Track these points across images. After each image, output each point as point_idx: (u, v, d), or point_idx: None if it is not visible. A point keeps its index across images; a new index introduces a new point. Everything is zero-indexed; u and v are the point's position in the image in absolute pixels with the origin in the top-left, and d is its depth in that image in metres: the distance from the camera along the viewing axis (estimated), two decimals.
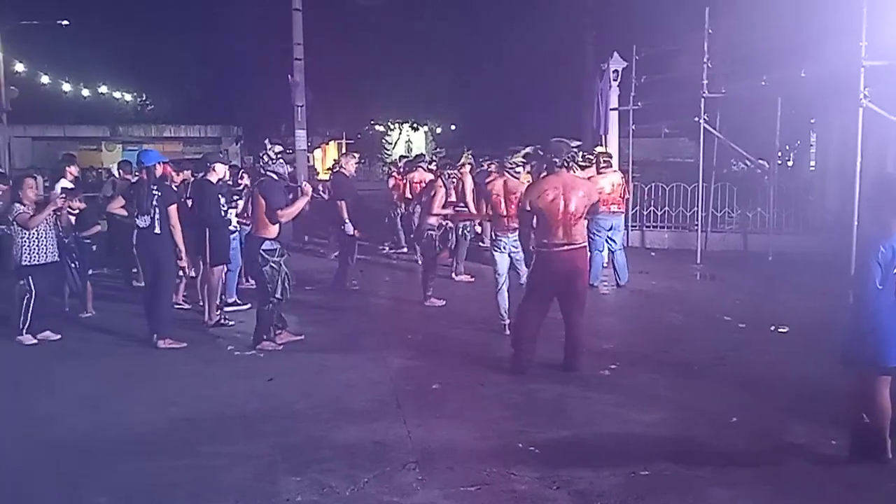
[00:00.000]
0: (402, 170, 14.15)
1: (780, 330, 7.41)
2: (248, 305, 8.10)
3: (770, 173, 13.08)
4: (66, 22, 27.46)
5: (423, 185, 11.23)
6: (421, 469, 4.29)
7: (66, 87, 38.20)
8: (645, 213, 13.80)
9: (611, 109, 12.97)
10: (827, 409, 4.98)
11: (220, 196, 7.92)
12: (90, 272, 8.38)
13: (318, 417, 5.14)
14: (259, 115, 25.18)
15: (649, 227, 13.82)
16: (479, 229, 11.20)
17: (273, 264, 6.67)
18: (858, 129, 8.41)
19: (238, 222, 8.46)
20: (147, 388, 5.89)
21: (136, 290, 8.58)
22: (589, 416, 5.19)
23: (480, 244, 11.48)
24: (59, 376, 6.23)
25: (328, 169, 18.90)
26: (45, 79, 35.40)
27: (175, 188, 8.06)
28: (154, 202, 6.93)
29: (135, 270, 9.17)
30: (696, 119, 11.82)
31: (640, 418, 5.10)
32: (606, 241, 9.73)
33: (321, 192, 12.12)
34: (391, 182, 14.63)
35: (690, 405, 5.36)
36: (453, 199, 9.16)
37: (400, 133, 39.69)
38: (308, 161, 17.58)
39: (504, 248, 7.34)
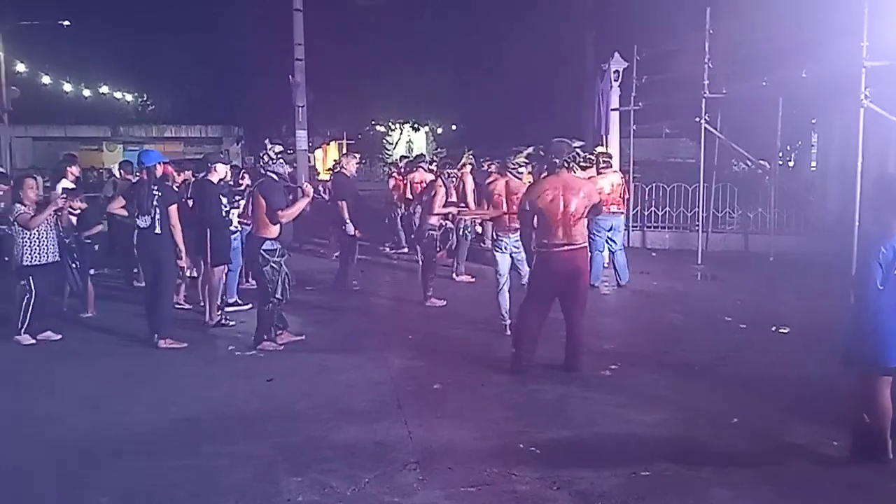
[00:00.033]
0: (402, 170, 14.16)
1: (781, 330, 7.41)
2: (249, 306, 8.10)
3: (771, 174, 13.08)
4: (67, 22, 27.49)
5: (424, 185, 11.23)
6: (422, 469, 4.29)
7: (67, 87, 38.22)
8: (646, 213, 13.80)
9: (612, 110, 12.97)
10: (828, 410, 4.97)
11: (221, 196, 7.92)
12: (92, 272, 8.39)
13: (318, 418, 5.14)
14: (260, 115, 25.19)
15: (650, 227, 13.83)
16: (479, 230, 11.21)
17: (273, 264, 6.67)
18: (859, 130, 8.41)
19: (239, 222, 8.47)
20: (148, 388, 5.89)
21: (137, 290, 8.58)
22: (590, 416, 5.19)
23: (481, 245, 11.48)
24: (60, 376, 6.24)
25: (329, 169, 18.91)
26: (46, 79, 35.42)
27: (176, 188, 8.06)
28: (154, 202, 6.93)
29: (136, 271, 9.18)
30: (697, 119, 11.82)
31: (640, 419, 5.10)
32: (607, 241, 9.73)
33: (322, 193, 12.13)
34: (391, 182, 14.64)
35: (691, 405, 5.35)
36: (454, 199, 9.16)
37: (401, 133, 39.70)
38: (309, 161, 17.60)
39: (505, 248, 7.34)
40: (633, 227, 13.53)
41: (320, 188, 12.51)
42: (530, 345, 6.11)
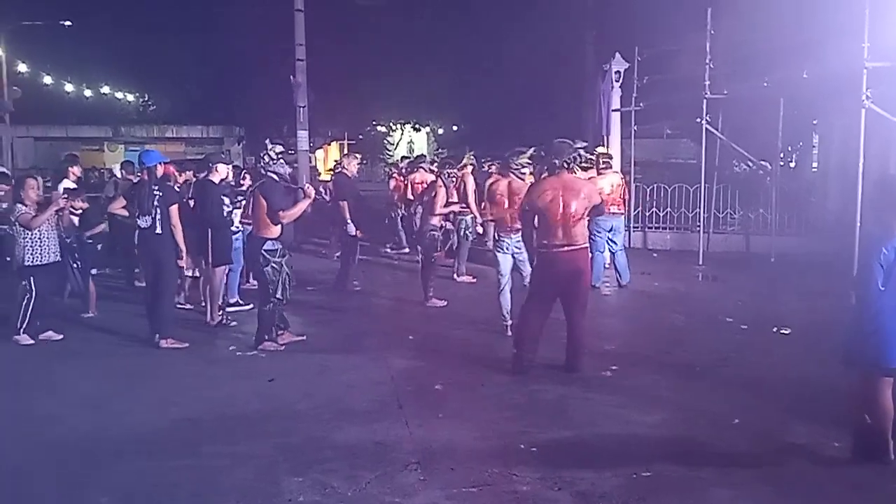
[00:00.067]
0: (403, 170, 14.16)
1: (782, 331, 7.40)
2: (251, 306, 8.10)
3: (772, 174, 13.08)
4: (68, 22, 27.52)
5: (425, 185, 11.24)
6: (422, 469, 4.29)
7: (69, 87, 38.26)
8: (647, 214, 13.79)
9: (612, 110, 12.97)
10: (829, 411, 4.98)
11: (224, 197, 7.93)
12: (94, 272, 8.39)
13: (319, 418, 5.14)
14: (261, 115, 25.20)
15: (651, 228, 13.83)
16: (480, 230, 11.22)
17: (274, 265, 6.68)
18: (861, 131, 8.41)
19: (241, 222, 8.47)
20: (149, 388, 5.89)
21: (139, 290, 8.59)
22: (591, 416, 5.19)
23: (482, 245, 11.48)
24: (61, 376, 6.24)
25: (330, 170, 18.92)
26: (47, 79, 35.47)
27: (177, 188, 8.06)
28: (155, 202, 6.94)
29: (137, 270, 9.19)
30: (698, 120, 11.82)
31: (641, 419, 5.10)
32: (607, 242, 9.73)
33: (323, 195, 12.14)
34: (392, 183, 14.64)
35: (692, 406, 5.35)
36: (454, 199, 9.17)
37: (402, 134, 39.70)
38: (310, 162, 17.60)
39: (507, 248, 7.34)
40: (634, 227, 13.54)
41: (321, 189, 12.52)
42: (531, 345, 6.11)
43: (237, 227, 8.41)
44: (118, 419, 5.17)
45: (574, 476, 4.18)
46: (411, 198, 12.42)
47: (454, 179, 9.22)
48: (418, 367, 6.34)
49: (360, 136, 36.99)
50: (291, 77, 14.99)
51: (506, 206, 7.33)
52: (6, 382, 6.07)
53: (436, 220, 8.92)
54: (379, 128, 38.35)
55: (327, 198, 11.49)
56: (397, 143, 39.60)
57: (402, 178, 13.62)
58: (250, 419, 5.15)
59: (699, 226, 12.50)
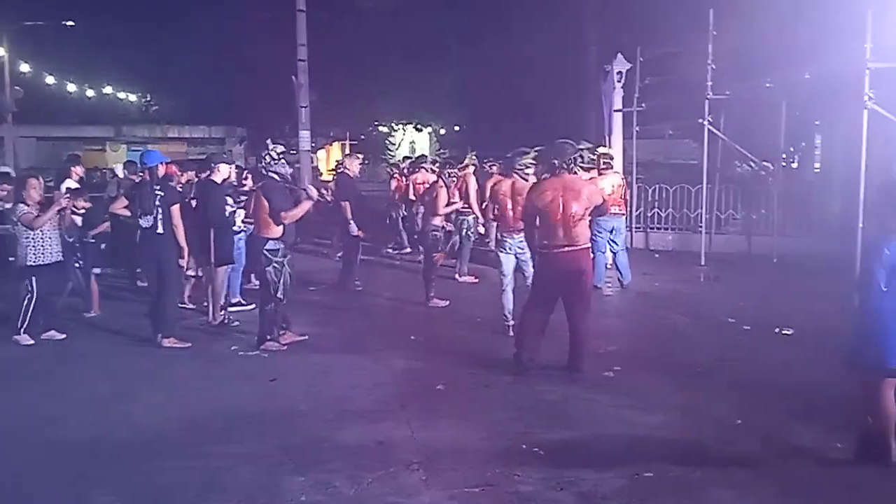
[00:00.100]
0: (404, 171, 14.17)
1: (784, 332, 7.40)
2: (253, 306, 8.10)
3: (774, 175, 13.06)
4: (70, 23, 27.57)
5: (426, 186, 11.25)
6: (425, 470, 4.29)
7: (71, 87, 38.36)
8: (649, 214, 13.79)
9: (614, 111, 12.96)
10: (831, 412, 4.98)
11: (227, 196, 7.94)
12: (98, 272, 8.40)
13: (321, 418, 5.14)
14: (263, 115, 25.24)
15: (653, 228, 13.82)
16: (482, 230, 11.22)
17: (276, 264, 6.68)
18: (863, 131, 8.40)
19: (244, 221, 8.47)
20: (152, 388, 5.90)
21: (141, 289, 8.60)
22: (593, 417, 5.19)
23: (484, 246, 11.48)
24: (63, 376, 6.25)
25: (332, 170, 18.93)
26: (49, 79, 35.56)
27: (179, 188, 8.07)
28: (157, 202, 6.95)
29: (139, 270, 9.19)
30: (700, 121, 11.81)
31: (643, 420, 5.10)
32: (609, 242, 9.73)
33: (325, 196, 12.13)
34: (393, 183, 14.64)
35: (694, 407, 5.35)
36: (456, 199, 9.17)
37: (404, 134, 39.70)
38: (312, 162, 17.62)
39: (510, 248, 7.34)
40: (636, 228, 13.53)
41: (323, 190, 12.51)
42: (533, 346, 6.11)
43: (240, 227, 8.42)
44: (121, 419, 5.18)
45: (576, 476, 4.19)
46: (413, 198, 12.44)
47: (455, 179, 9.21)
48: (420, 368, 6.35)
49: (362, 137, 37.00)
50: (293, 77, 15.02)
51: (509, 206, 7.33)
52: (8, 382, 6.08)
53: (438, 221, 8.93)
54: (381, 128, 38.33)
55: (329, 198, 11.49)
56: (399, 144, 39.57)
57: (403, 179, 13.62)
58: (252, 419, 5.15)
59: (701, 226, 12.49)
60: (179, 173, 8.91)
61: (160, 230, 6.97)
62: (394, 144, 39.49)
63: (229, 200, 7.98)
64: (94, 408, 5.42)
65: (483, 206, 9.42)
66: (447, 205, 8.93)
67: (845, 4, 9.32)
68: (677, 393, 5.68)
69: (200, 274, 8.36)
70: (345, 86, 23.47)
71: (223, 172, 8.02)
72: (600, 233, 9.43)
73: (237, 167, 10.30)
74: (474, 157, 11.31)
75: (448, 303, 8.78)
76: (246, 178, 9.43)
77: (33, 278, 7.04)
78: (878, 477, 4.21)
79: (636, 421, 5.09)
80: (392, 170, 16.32)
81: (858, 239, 8.23)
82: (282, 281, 6.68)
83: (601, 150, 10.81)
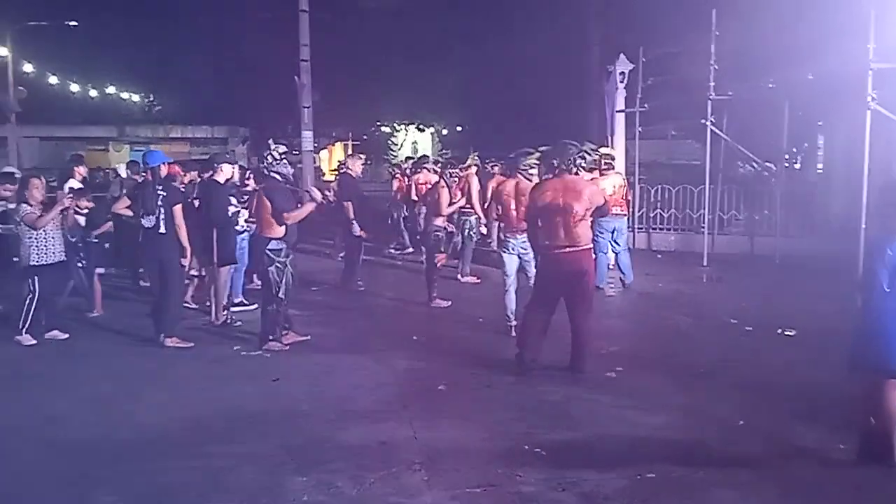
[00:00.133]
0: (406, 171, 14.18)
1: (786, 333, 7.39)
2: (255, 306, 8.10)
3: (777, 176, 13.05)
4: (74, 23, 27.61)
5: (428, 186, 11.26)
6: (427, 470, 4.30)
7: (74, 87, 38.41)
8: (651, 215, 13.78)
9: (617, 111, 12.95)
10: (834, 413, 4.97)
11: (230, 196, 7.95)
12: (101, 271, 8.41)
13: (324, 418, 5.15)
14: (265, 115, 25.29)
15: (655, 229, 13.81)
16: (484, 230, 11.23)
17: (279, 264, 6.69)
18: (866, 132, 8.39)
19: (247, 221, 8.49)
20: (154, 388, 5.91)
21: (144, 289, 8.61)
22: (595, 418, 5.19)
23: (486, 246, 11.48)
24: (66, 375, 6.26)
25: (334, 170, 18.94)
26: (53, 79, 35.61)
27: (182, 188, 8.08)
28: (159, 202, 6.96)
29: (141, 270, 9.20)
30: (703, 121, 11.81)
31: (646, 420, 5.10)
32: (610, 242, 9.72)
33: (329, 198, 12.14)
34: (395, 184, 14.66)
35: (697, 408, 5.35)
36: (458, 199, 9.17)
37: (406, 134, 39.74)
38: (314, 162, 17.64)
39: (513, 249, 7.34)
40: (638, 228, 13.52)
41: (325, 191, 12.51)
42: (535, 346, 6.12)
43: (243, 227, 8.43)
44: (124, 419, 5.18)
45: (578, 477, 4.19)
46: (415, 198, 12.45)
47: (456, 180, 9.21)
48: (422, 368, 6.35)
49: (365, 137, 37.07)
50: (296, 77, 15.04)
51: (512, 206, 7.34)
52: (11, 382, 6.09)
53: (440, 221, 8.94)
54: (383, 128, 38.39)
55: (331, 198, 11.50)
56: (401, 144, 39.62)
57: (405, 179, 13.63)
58: (255, 419, 5.16)
59: (703, 227, 12.47)
60: (182, 173, 8.93)
61: (163, 230, 6.98)
62: (396, 145, 39.54)
63: (233, 200, 7.99)
64: (96, 408, 5.43)
65: (485, 207, 9.42)
66: (449, 205, 8.94)
67: (848, 4, 9.31)
68: (679, 393, 5.68)
69: (203, 274, 8.37)
70: (347, 86, 23.51)
71: (226, 172, 8.03)
72: (602, 233, 9.43)
73: (240, 167, 10.32)
74: (477, 158, 11.32)
75: (450, 303, 8.79)
76: (248, 178, 9.44)
77: (36, 278, 7.05)
78: (880, 478, 4.20)
79: (638, 421, 5.09)
80: (394, 170, 16.33)
81: (861, 240, 8.21)
82: (284, 281, 6.70)
83: (602, 150, 10.81)
